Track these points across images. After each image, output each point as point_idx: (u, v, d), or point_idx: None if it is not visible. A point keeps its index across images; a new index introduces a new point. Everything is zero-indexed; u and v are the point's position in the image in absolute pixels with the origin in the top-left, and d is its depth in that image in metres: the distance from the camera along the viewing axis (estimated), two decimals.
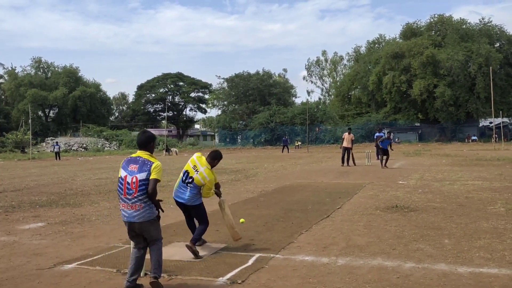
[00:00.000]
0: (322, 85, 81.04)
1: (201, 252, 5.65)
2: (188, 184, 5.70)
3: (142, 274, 4.64)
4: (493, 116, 39.40)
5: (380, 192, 10.99)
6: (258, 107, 58.15)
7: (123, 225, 4.49)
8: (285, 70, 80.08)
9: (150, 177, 4.21)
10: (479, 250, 5.50)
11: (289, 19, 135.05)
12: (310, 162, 24.55)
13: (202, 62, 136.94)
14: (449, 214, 7.89)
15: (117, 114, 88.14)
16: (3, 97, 70.60)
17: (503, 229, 6.61)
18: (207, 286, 4.50)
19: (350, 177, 14.96)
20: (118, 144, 55.98)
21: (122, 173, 4.31)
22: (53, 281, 4.77)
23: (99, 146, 52.72)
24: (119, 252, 5.85)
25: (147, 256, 4.45)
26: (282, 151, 38.77)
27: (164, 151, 41.96)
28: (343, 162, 19.50)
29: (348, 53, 71.99)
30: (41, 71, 71.20)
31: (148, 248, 4.41)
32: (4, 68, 71.37)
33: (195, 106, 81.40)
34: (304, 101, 68.15)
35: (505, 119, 50.19)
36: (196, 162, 5.79)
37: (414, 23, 55.72)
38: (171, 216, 8.01)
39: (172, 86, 78.76)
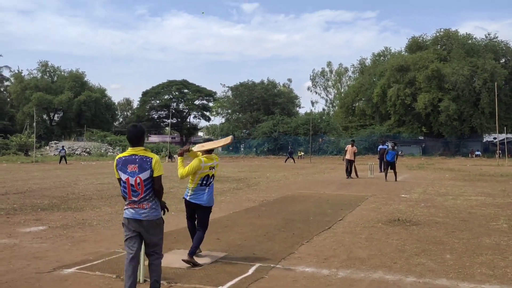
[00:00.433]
0: (327, 96, 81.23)
1: (201, 260, 5.64)
2: (210, 184, 5.78)
3: (141, 280, 4.63)
4: (497, 131, 39.33)
5: (383, 205, 10.95)
6: (262, 116, 58.26)
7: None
8: (289, 80, 79.96)
9: (154, 175, 4.07)
10: (481, 266, 5.46)
11: (295, 30, 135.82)
12: (312, 172, 24.51)
13: (207, 70, 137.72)
14: (451, 229, 7.85)
15: (121, 119, 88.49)
16: (8, 99, 70.93)
17: (506, 246, 6.57)
18: None
19: (353, 189, 14.92)
20: (121, 149, 55.97)
21: (122, 175, 4.12)
22: (52, 285, 4.76)
23: (102, 151, 52.81)
24: (119, 257, 5.83)
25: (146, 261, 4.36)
26: (286, 161, 38.72)
27: (167, 158, 42.00)
28: (347, 174, 19.40)
29: (353, 65, 72.38)
30: (47, 75, 71.63)
31: (146, 260, 4.23)
32: (10, 70, 71.95)
33: (199, 113, 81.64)
34: (308, 111, 68.27)
35: (509, 135, 50.04)
36: (209, 164, 5.75)
37: (420, 37, 55.94)
38: (172, 223, 8.00)
39: (176, 93, 79.07)
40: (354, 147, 19.84)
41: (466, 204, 11.02)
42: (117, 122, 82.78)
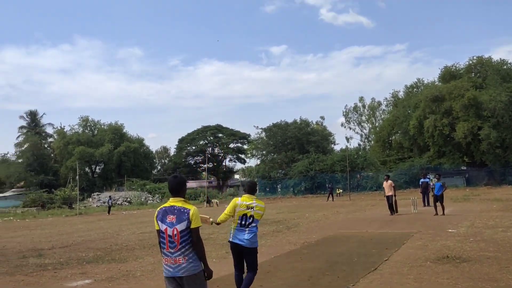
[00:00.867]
0: (361, 131, 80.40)
1: None
2: (249, 225, 5.84)
3: None
4: None
5: (429, 242, 10.56)
6: (297, 156, 58.06)
7: None
8: (322, 117, 79.77)
9: (191, 226, 4.07)
10: None
11: (324, 68, 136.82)
12: (353, 210, 24.01)
13: (239, 113, 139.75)
14: (504, 264, 7.46)
15: (159, 167, 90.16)
16: (52, 155, 73.77)
17: None
18: None
19: (397, 226, 14.49)
20: (160, 197, 56.84)
21: (161, 226, 4.15)
22: None
23: (142, 200, 53.67)
24: None
25: None
26: (328, 200, 38.33)
27: (205, 203, 42.21)
28: (390, 211, 18.88)
29: (386, 98, 71.65)
30: (88, 129, 74.35)
31: None
32: (53, 128, 75.23)
33: (234, 156, 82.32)
34: (344, 148, 67.66)
35: None
36: (246, 203, 5.91)
37: (452, 66, 55.19)
38: (214, 271, 7.94)
39: (211, 138, 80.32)
40: (390, 181, 19.30)
41: None
42: (155, 170, 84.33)
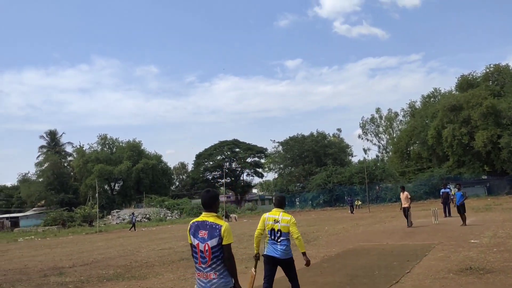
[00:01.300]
0: (379, 142, 79.83)
1: None
2: (279, 239, 5.98)
3: None
4: None
5: (452, 253, 10.37)
6: (315, 169, 57.80)
7: None
8: (339, 129, 79.75)
9: (223, 243, 4.06)
10: None
11: (340, 80, 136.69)
12: (372, 222, 23.73)
13: (256, 128, 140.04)
14: None
15: (177, 183, 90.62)
16: (72, 173, 74.80)
17: None
18: None
19: (418, 238, 14.26)
20: (179, 213, 57.03)
21: (194, 240, 4.16)
22: None
23: (161, 216, 53.88)
24: None
25: None
26: (352, 212, 37.98)
27: (223, 218, 42.17)
28: (408, 223, 18.61)
29: (403, 109, 71.12)
30: (107, 147, 75.31)
31: None
32: (73, 146, 76.44)
33: (252, 171, 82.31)
34: (361, 159, 67.12)
35: None
36: (273, 216, 6.10)
37: (469, 75, 54.64)
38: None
39: (228, 152, 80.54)
40: (406, 193, 19.02)
41: None
42: (173, 186, 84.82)
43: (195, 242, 4.16)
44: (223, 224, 4.15)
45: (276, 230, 5.99)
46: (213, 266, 4.07)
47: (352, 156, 69.03)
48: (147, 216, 54.33)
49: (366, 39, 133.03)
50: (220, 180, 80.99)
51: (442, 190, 23.55)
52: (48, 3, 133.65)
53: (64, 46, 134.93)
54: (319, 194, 53.76)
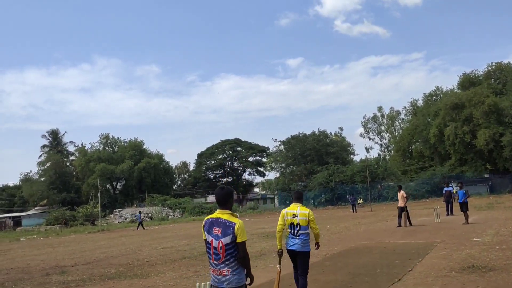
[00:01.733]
0: (381, 141, 79.62)
1: None
2: (298, 232, 6.30)
3: None
4: None
5: (454, 251, 10.35)
6: (316, 167, 57.73)
7: None
8: (341, 128, 79.57)
9: (237, 240, 4.11)
10: None
11: (341, 79, 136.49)
12: (374, 221, 23.72)
13: (257, 127, 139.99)
14: None
15: (179, 182, 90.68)
16: (74, 173, 74.91)
17: None
18: None
19: (420, 236, 14.24)
20: (181, 212, 57.06)
21: (208, 237, 4.22)
22: None
23: (163, 215, 53.90)
24: None
25: None
26: (355, 211, 37.71)
27: None
28: (398, 222, 18.24)
29: (405, 107, 70.97)
30: (109, 146, 75.37)
31: None
32: (75, 146, 76.57)
33: (254, 170, 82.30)
34: (363, 158, 67.00)
35: None
36: (291, 212, 6.43)
37: (471, 73, 54.55)
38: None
39: (230, 152, 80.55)
40: (402, 192, 18.72)
41: None
42: (175, 186, 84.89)
43: (209, 238, 4.22)
44: (237, 222, 4.18)
45: (295, 224, 6.31)
46: (227, 262, 4.12)
47: (354, 155, 68.93)
48: (149, 215, 54.38)
49: (367, 38, 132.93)
50: (221, 179, 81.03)
51: (445, 189, 23.53)
52: (49, 3, 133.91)
53: (65, 45, 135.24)
54: (321, 193, 53.73)
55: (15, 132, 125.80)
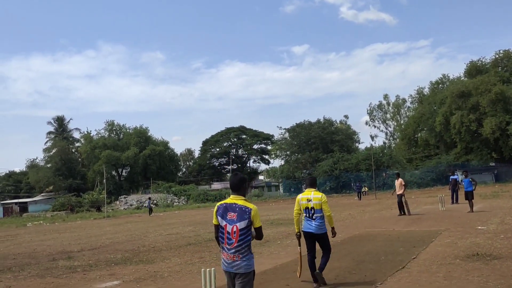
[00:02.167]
0: (386, 129, 79.43)
1: None
2: (314, 215, 6.74)
3: None
4: None
5: (458, 239, 10.35)
6: (321, 155, 57.72)
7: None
8: (346, 116, 79.22)
9: (255, 226, 4.24)
10: None
11: (347, 67, 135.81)
12: (379, 209, 23.72)
13: (263, 114, 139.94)
14: None
15: (184, 169, 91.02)
16: (79, 159, 75.30)
17: None
18: None
19: (424, 224, 14.24)
20: (186, 199, 57.37)
21: (221, 221, 4.27)
22: None
23: (168, 202, 54.25)
24: None
25: None
26: (360, 199, 37.60)
27: None
28: (400, 211, 18.18)
29: (411, 95, 70.60)
30: (114, 133, 75.64)
31: None
32: (80, 132, 76.85)
33: (258, 157, 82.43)
34: (368, 146, 66.90)
35: None
36: (306, 197, 6.83)
37: (478, 61, 54.02)
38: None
39: (235, 139, 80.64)
40: (400, 180, 18.39)
41: None
42: (180, 173, 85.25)
43: (223, 223, 4.26)
44: (253, 207, 4.27)
45: (310, 208, 6.72)
46: (238, 248, 4.18)
47: (359, 143, 68.84)
48: (155, 201, 54.71)
49: (373, 25, 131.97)
50: (226, 166, 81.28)
51: (451, 177, 23.45)
52: None
53: (70, 32, 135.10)
54: (326, 181, 53.77)
55: (21, 118, 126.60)
